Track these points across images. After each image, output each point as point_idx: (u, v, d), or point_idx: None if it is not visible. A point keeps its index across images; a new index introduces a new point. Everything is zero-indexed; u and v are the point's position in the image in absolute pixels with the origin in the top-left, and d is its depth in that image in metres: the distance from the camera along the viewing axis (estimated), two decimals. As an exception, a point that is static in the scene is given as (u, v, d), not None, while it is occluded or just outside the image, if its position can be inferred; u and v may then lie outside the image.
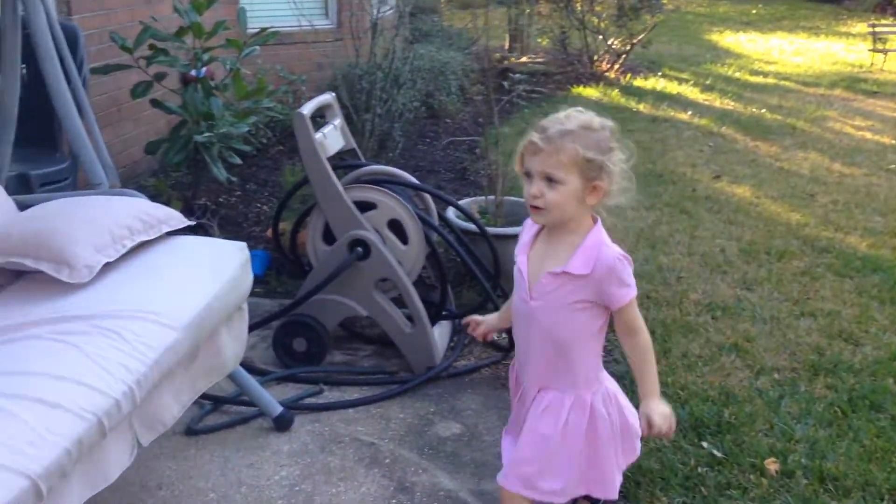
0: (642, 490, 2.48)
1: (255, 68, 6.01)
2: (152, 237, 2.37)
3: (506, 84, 4.65)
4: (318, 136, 3.15)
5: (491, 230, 3.63)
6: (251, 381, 2.80)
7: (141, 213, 2.37)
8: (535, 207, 1.83)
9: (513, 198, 4.05)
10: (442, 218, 3.75)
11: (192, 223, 2.51)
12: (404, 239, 3.25)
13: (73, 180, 3.53)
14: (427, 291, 3.49)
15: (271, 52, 6.45)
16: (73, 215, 2.28)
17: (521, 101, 4.68)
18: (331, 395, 3.07)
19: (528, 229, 1.98)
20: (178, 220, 2.46)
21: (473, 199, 4.25)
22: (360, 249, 3.13)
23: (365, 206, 3.22)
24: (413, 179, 3.44)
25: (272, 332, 3.26)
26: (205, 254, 2.37)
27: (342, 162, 3.47)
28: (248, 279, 2.45)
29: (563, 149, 1.77)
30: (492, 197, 4.01)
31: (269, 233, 3.86)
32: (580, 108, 1.85)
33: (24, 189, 3.22)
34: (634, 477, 2.53)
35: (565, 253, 1.85)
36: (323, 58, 6.27)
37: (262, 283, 3.94)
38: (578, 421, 1.93)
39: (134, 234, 2.31)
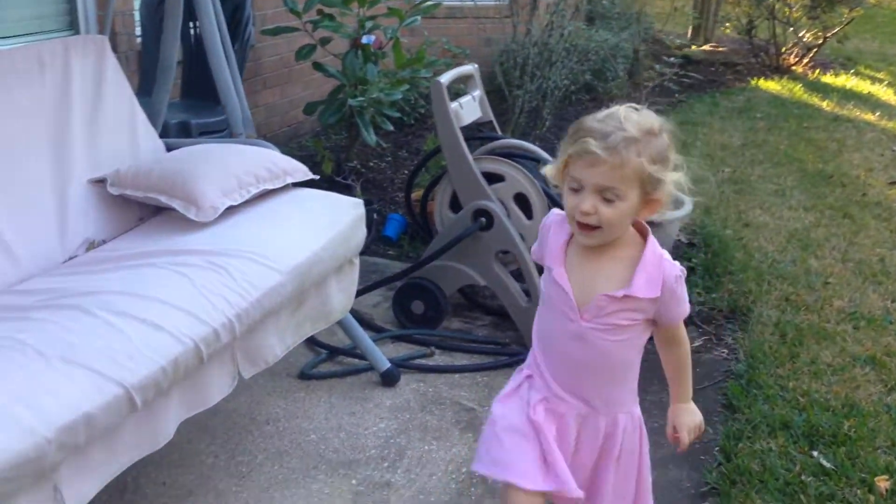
0: (737, 489, 2.39)
1: (423, 40, 6.16)
2: (276, 186, 2.52)
3: (658, 67, 4.52)
4: (454, 105, 3.21)
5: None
6: (364, 337, 2.92)
7: (269, 163, 2.52)
8: (587, 226, 1.57)
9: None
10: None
11: (316, 177, 2.64)
12: (530, 214, 3.26)
13: (230, 131, 3.77)
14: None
15: (441, 26, 6.59)
16: (207, 160, 2.47)
17: (672, 85, 4.52)
18: (440, 358, 3.15)
19: (555, 231, 1.70)
20: (302, 172, 2.60)
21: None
22: (482, 220, 3.17)
23: (493, 178, 3.25)
24: (546, 156, 3.43)
25: (393, 293, 3.38)
26: (321, 207, 2.49)
27: (478, 133, 3.52)
28: (361, 234, 2.55)
29: (628, 161, 1.51)
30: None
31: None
32: (634, 105, 1.58)
33: (185, 136, 3.49)
34: (731, 475, 2.45)
35: (620, 269, 1.62)
36: (491, 34, 6.33)
37: (396, 247, 4.07)
38: (633, 439, 1.77)
39: (259, 181, 2.47)
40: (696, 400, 2.88)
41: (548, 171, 1.63)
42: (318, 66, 4.60)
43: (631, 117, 1.54)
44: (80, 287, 1.98)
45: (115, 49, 3.94)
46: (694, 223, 4.39)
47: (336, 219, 2.46)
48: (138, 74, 3.93)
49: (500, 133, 3.57)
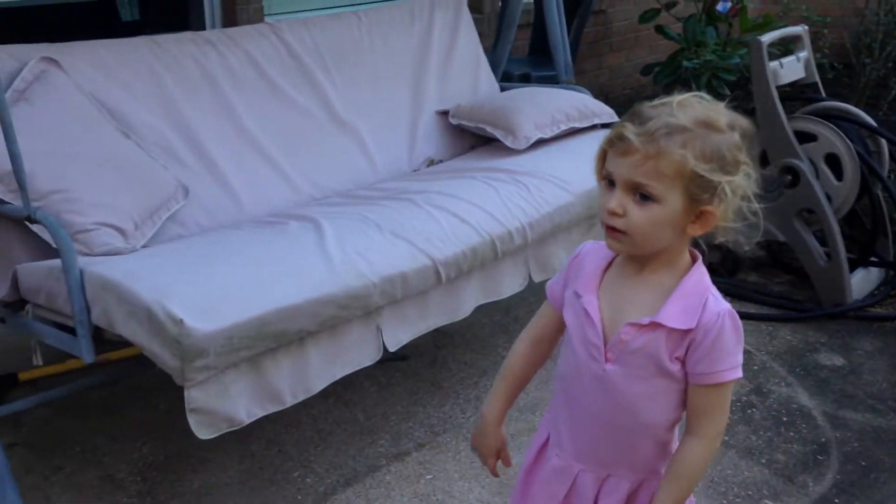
0: None
1: (781, 6, 6.06)
2: (584, 125, 2.90)
3: None
4: (773, 64, 3.32)
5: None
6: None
7: (580, 105, 2.91)
8: (612, 229, 1.26)
9: None
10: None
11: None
12: (840, 175, 3.28)
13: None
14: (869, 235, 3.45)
15: (806, -7, 6.40)
16: (528, 99, 2.93)
17: None
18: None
19: (593, 257, 1.39)
20: (609, 115, 2.94)
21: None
22: (788, 177, 3.26)
23: (806, 138, 3.31)
24: (869, 120, 3.39)
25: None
26: (620, 145, 2.82)
27: (800, 93, 3.56)
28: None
29: (665, 152, 1.20)
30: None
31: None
32: (702, 94, 1.26)
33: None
34: None
35: (653, 297, 1.29)
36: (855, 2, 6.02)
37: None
38: None
39: (569, 119, 2.87)
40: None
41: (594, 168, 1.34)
42: (660, 29, 4.84)
43: (689, 103, 1.24)
44: (415, 188, 2.55)
45: (479, 10, 4.58)
46: None
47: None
48: (496, 33, 4.50)
49: (823, 95, 3.57)
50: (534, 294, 3.00)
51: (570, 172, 2.63)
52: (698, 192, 1.22)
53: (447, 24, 3.20)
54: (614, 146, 1.25)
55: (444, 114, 3.06)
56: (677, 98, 1.25)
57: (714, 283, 1.32)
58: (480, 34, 3.43)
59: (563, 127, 2.86)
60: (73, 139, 2.17)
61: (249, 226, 2.36)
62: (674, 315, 1.27)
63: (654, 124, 1.21)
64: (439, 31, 3.16)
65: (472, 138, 3.07)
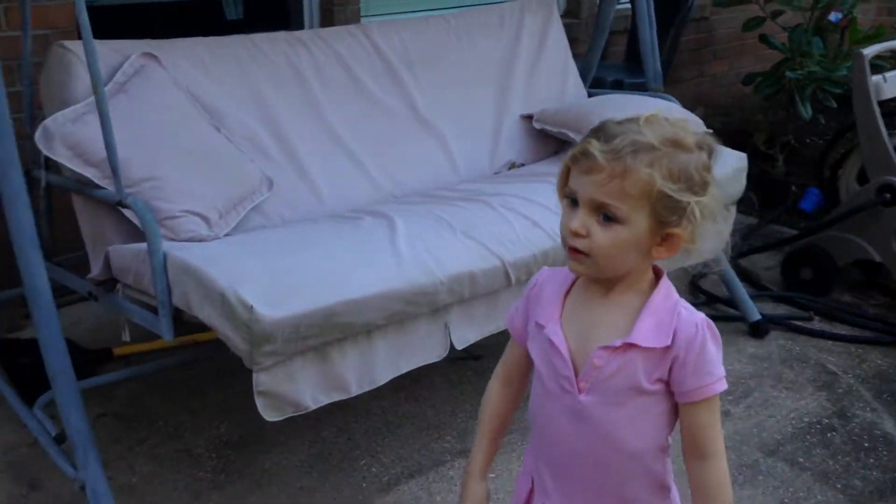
0: None
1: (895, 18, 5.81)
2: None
3: None
4: (876, 78, 3.20)
5: None
6: (741, 290, 3.14)
7: (665, 112, 2.86)
8: (575, 250, 1.20)
9: None
10: None
11: (710, 131, 2.90)
12: (944, 195, 3.13)
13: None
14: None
15: (926, 3, 6.11)
16: (612, 106, 2.91)
17: None
18: (818, 325, 3.21)
19: (550, 284, 1.33)
20: (695, 124, 2.89)
21: None
22: (887, 195, 3.13)
23: (910, 155, 3.18)
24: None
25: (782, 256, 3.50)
26: (704, 155, 2.78)
27: (907, 109, 3.42)
28: (738, 185, 2.78)
29: (632, 171, 1.15)
30: None
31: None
32: (670, 112, 1.25)
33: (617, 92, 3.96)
34: None
35: (624, 318, 1.24)
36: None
37: (809, 219, 4.10)
38: None
39: (652, 127, 2.83)
40: None
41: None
42: (764, 38, 4.71)
43: (655, 120, 1.21)
44: (491, 190, 2.57)
45: (576, 15, 4.57)
46: None
47: (718, 166, 2.72)
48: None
49: (932, 111, 3.42)
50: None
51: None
52: (666, 213, 1.18)
53: (536, 29, 3.21)
54: (578, 163, 1.20)
55: (529, 118, 3.07)
56: (644, 115, 1.21)
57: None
58: (576, 39, 3.43)
59: (643, 134, 2.83)
60: (167, 131, 2.29)
61: (326, 220, 2.44)
62: (647, 334, 1.22)
63: (620, 142, 1.16)
64: (528, 35, 3.18)
65: (556, 143, 3.07)
